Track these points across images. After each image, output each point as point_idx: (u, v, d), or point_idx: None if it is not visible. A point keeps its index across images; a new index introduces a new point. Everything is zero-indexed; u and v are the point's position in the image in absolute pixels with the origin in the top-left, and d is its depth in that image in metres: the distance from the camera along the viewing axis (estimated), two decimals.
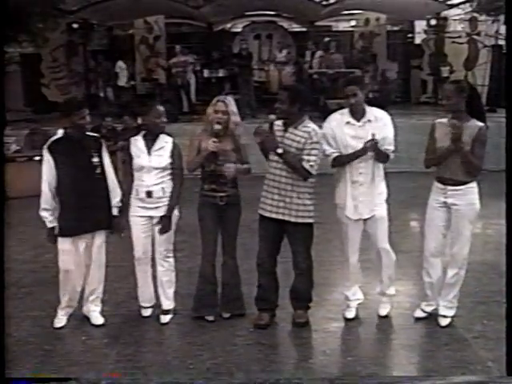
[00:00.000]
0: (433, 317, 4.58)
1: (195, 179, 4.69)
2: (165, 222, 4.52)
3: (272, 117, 4.36)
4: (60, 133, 4.50)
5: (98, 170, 4.47)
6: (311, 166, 4.27)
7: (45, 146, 4.46)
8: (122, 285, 5.38)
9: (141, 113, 4.58)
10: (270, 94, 14.13)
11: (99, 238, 4.59)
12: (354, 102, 4.35)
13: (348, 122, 4.41)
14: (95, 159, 4.46)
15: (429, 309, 4.63)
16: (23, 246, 6.88)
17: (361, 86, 4.38)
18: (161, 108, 4.54)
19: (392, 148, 4.42)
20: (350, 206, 4.46)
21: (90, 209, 4.46)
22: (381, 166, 4.46)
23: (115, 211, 4.58)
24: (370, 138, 4.31)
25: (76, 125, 4.41)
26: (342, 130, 4.41)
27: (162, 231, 4.53)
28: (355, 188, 4.42)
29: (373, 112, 4.44)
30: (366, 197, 4.42)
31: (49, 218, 4.45)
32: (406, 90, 16.26)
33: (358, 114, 4.41)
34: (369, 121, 4.39)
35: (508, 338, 3.70)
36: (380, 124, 4.39)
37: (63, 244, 4.50)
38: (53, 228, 4.47)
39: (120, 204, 4.60)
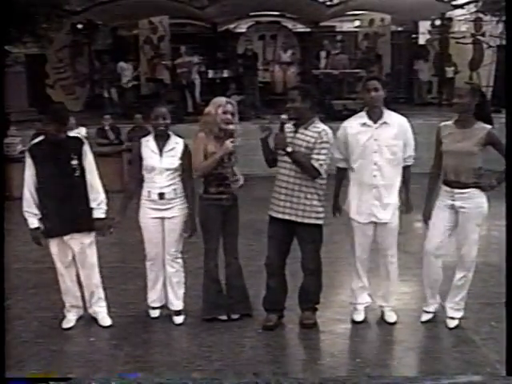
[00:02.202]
0: (441, 319, 4.58)
1: (198, 180, 4.67)
2: (190, 225, 4.58)
3: (284, 116, 4.34)
4: (41, 136, 4.50)
5: (77, 173, 4.44)
6: (320, 164, 4.27)
7: (26, 149, 4.48)
8: (129, 286, 5.40)
9: (144, 114, 4.59)
10: (274, 94, 14.14)
11: (84, 240, 4.55)
12: (374, 95, 4.33)
13: (364, 123, 4.40)
14: (74, 161, 4.42)
15: (431, 308, 4.61)
16: (29, 246, 6.84)
17: (382, 84, 4.38)
18: (163, 109, 4.52)
19: (413, 155, 4.44)
20: (360, 209, 4.45)
21: (68, 211, 4.45)
22: (398, 170, 4.42)
23: (97, 213, 4.52)
24: (386, 140, 4.32)
25: (58, 130, 4.38)
26: (357, 131, 4.40)
27: (191, 233, 4.61)
28: (369, 190, 4.40)
29: (391, 116, 4.43)
30: (378, 200, 4.39)
31: (30, 219, 4.47)
32: (410, 90, 16.21)
33: (375, 115, 4.39)
34: (385, 123, 4.37)
35: (508, 338, 3.71)
36: (397, 128, 4.38)
37: (51, 245, 4.55)
38: (36, 229, 4.47)
39: (103, 207, 4.54)
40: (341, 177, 4.63)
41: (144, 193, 4.57)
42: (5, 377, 3.60)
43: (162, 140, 4.53)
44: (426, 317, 4.61)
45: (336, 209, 4.69)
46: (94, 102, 14.57)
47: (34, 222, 4.47)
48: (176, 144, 4.54)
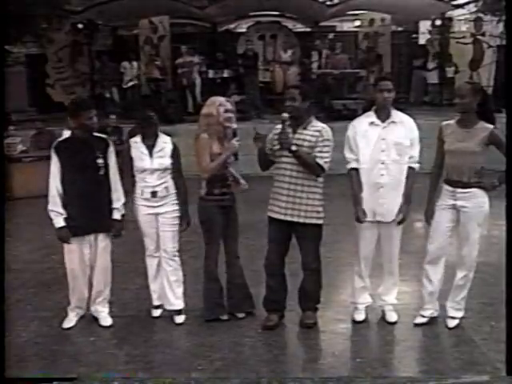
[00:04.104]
0: (441, 318, 4.57)
1: (198, 180, 4.67)
2: (185, 218, 4.63)
3: (285, 115, 4.30)
4: (67, 133, 4.53)
5: (102, 172, 4.47)
6: (325, 162, 4.29)
7: (52, 147, 4.48)
8: (129, 286, 5.40)
9: (132, 118, 4.64)
10: (274, 94, 14.13)
11: (103, 240, 4.58)
12: (387, 96, 4.34)
13: (372, 123, 4.41)
14: (100, 160, 4.46)
15: (427, 313, 4.58)
16: (29, 246, 6.89)
17: (393, 84, 4.40)
18: (150, 113, 4.56)
19: (415, 156, 4.42)
20: (366, 208, 4.43)
21: (92, 210, 4.46)
22: (405, 170, 4.40)
23: (116, 215, 4.56)
24: (393, 139, 4.32)
25: (83, 125, 4.42)
26: (366, 130, 4.41)
27: (183, 230, 4.66)
28: (376, 189, 4.40)
29: (398, 115, 4.45)
30: (385, 199, 4.39)
31: (56, 219, 4.44)
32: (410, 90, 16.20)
33: (383, 115, 4.40)
34: (393, 122, 4.39)
35: (508, 338, 3.71)
36: (405, 127, 4.39)
37: (71, 244, 4.50)
38: (62, 228, 4.43)
39: (122, 209, 4.59)
40: (357, 178, 4.46)
41: (137, 191, 4.61)
42: (5, 377, 3.60)
43: (150, 141, 4.57)
44: (420, 320, 4.57)
45: (361, 212, 4.43)
46: (94, 102, 14.55)
47: (59, 222, 4.43)
48: (164, 144, 4.58)
